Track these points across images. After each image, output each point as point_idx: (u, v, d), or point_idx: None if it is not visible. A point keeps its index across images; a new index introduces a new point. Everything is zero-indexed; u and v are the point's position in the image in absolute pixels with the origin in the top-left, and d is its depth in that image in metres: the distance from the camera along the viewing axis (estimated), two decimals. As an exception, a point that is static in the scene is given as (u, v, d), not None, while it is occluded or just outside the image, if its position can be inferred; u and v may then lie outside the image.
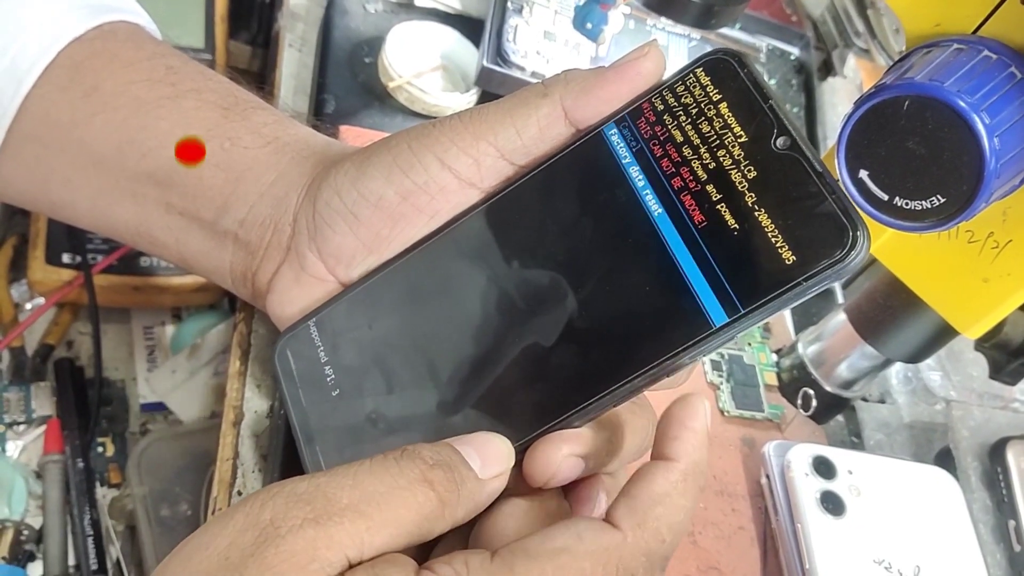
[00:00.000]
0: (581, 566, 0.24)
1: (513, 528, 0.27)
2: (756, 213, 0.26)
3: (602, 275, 0.28)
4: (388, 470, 0.24)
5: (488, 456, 0.26)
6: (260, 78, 0.61)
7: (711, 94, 0.28)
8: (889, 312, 0.40)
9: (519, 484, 0.28)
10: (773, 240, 0.26)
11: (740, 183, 0.27)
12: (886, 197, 0.30)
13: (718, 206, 0.27)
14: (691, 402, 0.27)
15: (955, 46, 0.30)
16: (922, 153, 0.29)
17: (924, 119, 0.29)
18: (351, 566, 0.23)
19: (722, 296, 0.26)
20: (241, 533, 0.23)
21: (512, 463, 0.27)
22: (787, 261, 0.25)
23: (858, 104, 0.30)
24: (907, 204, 0.30)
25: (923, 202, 0.30)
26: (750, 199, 0.26)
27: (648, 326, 0.27)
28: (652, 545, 0.25)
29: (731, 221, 0.26)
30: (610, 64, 0.30)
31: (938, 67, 0.29)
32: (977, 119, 0.28)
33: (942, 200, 0.29)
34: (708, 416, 0.27)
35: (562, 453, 0.27)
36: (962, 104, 0.28)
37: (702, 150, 0.28)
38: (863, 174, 0.30)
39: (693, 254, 0.27)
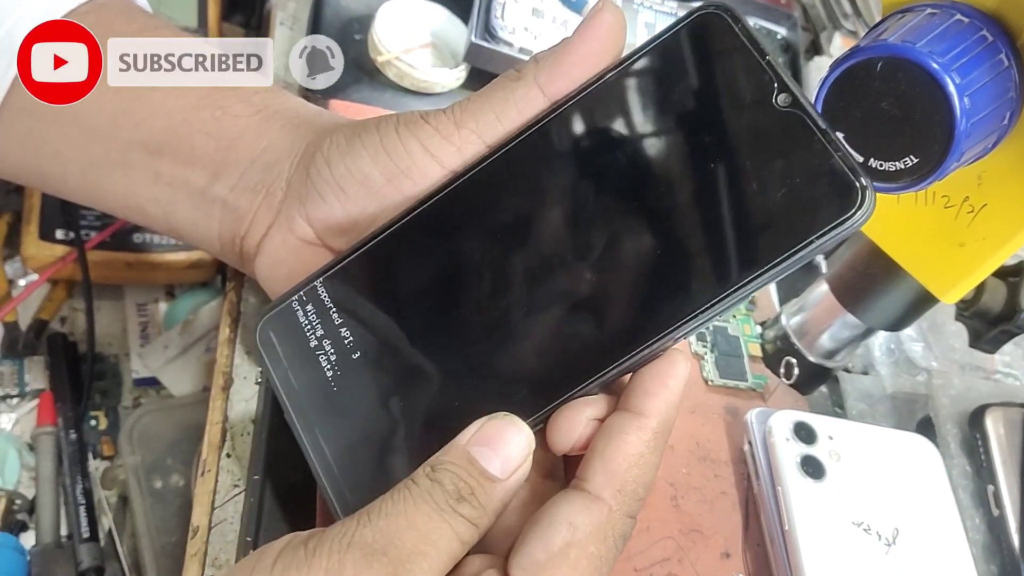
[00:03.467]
0: (589, 552, 0.25)
1: (517, 521, 0.27)
2: (764, 171, 0.26)
3: (614, 240, 0.27)
4: (430, 505, 0.25)
5: (506, 454, 0.26)
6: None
7: (706, 50, 0.27)
8: (869, 280, 0.41)
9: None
10: (783, 199, 0.25)
11: (745, 141, 0.26)
12: (862, 159, 0.31)
13: (724, 164, 0.26)
14: (672, 359, 0.27)
15: (928, 10, 0.31)
16: (895, 114, 0.30)
17: (897, 80, 0.29)
18: None
19: (734, 257, 0.26)
20: None
21: (531, 448, 0.27)
22: (799, 219, 0.25)
23: (834, 67, 0.31)
24: (882, 165, 0.31)
25: (897, 163, 0.30)
26: (756, 157, 0.26)
27: (664, 289, 0.26)
28: (632, 506, 0.26)
29: (739, 180, 0.26)
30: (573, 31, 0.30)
31: (911, 30, 0.30)
32: (948, 79, 0.28)
33: (915, 160, 0.30)
34: (687, 375, 0.27)
35: (585, 416, 0.27)
36: (933, 65, 0.28)
37: (701, 107, 0.27)
38: (839, 136, 0.31)
39: (704, 216, 0.26)
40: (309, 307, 0.30)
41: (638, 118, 0.28)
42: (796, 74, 0.62)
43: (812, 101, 0.29)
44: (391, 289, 0.30)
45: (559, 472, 0.30)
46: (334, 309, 0.30)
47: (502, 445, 0.26)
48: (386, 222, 0.30)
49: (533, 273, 0.28)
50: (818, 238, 0.25)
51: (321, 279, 0.31)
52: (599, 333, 0.27)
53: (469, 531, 0.25)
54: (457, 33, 0.53)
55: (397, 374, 0.29)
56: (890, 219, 0.37)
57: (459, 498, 0.25)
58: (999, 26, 0.30)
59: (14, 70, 0.33)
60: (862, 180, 0.25)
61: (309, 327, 0.30)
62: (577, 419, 0.27)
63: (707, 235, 0.26)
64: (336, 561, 0.24)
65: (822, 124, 0.26)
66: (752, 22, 0.63)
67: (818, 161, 0.25)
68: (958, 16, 0.30)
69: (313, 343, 0.30)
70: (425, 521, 0.25)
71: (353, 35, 0.52)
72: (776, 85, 0.26)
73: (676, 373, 0.27)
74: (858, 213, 0.24)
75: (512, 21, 0.51)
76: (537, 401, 0.27)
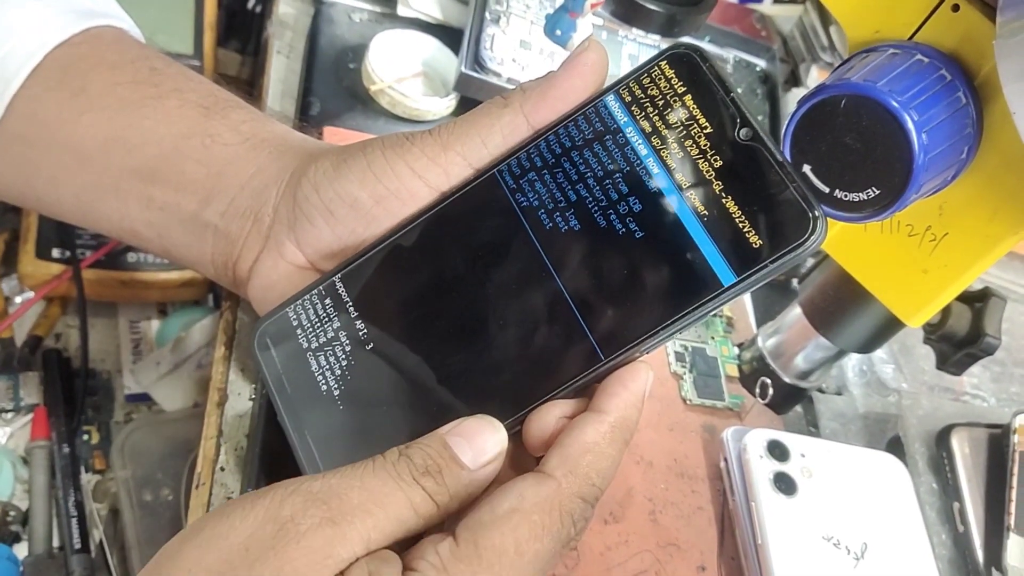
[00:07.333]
0: (531, 520, 0.26)
1: None
2: (724, 200, 0.28)
3: (586, 258, 0.29)
4: (389, 473, 0.26)
5: (480, 447, 0.28)
6: (250, 85, 0.63)
7: (676, 86, 0.29)
8: (839, 304, 0.42)
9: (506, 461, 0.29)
10: (741, 225, 0.27)
11: (707, 171, 0.28)
12: (827, 190, 0.33)
13: (687, 192, 0.28)
14: (636, 367, 0.29)
15: (891, 51, 0.33)
16: (858, 148, 0.32)
17: (860, 116, 0.31)
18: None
19: (696, 276, 0.28)
20: (261, 526, 0.24)
21: (504, 447, 0.28)
22: (754, 245, 0.27)
23: (801, 103, 0.33)
24: (846, 196, 0.32)
25: (860, 194, 0.32)
26: (717, 186, 0.28)
27: (629, 306, 0.28)
28: (584, 489, 0.27)
29: (700, 207, 0.28)
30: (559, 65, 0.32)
31: (873, 69, 0.32)
32: (907, 116, 0.30)
33: (877, 192, 0.32)
34: (648, 382, 0.29)
35: (555, 415, 0.29)
36: (893, 103, 0.30)
37: (669, 139, 0.29)
38: (806, 168, 0.33)
39: (667, 237, 0.28)
40: (303, 315, 0.32)
41: (612, 146, 0.30)
42: (775, 104, 0.64)
43: (777, 135, 0.31)
44: (380, 301, 0.32)
45: None
46: (326, 318, 0.32)
47: (477, 438, 0.28)
48: (375, 239, 0.32)
49: (512, 289, 0.30)
50: (773, 262, 0.27)
51: (316, 290, 0.33)
52: (571, 345, 0.29)
53: (426, 504, 0.26)
54: (448, 63, 0.55)
55: (384, 380, 0.31)
56: (858, 246, 0.39)
57: (424, 472, 0.27)
58: (958, 66, 0.32)
59: (8, 98, 0.34)
60: (815, 210, 0.27)
61: (302, 334, 0.32)
62: (549, 419, 0.29)
63: (670, 255, 0.28)
64: (278, 500, 0.25)
65: (779, 157, 0.28)
66: (733, 54, 0.65)
67: (775, 191, 0.28)
68: (918, 56, 0.32)
69: (306, 349, 0.32)
70: (378, 485, 0.26)
71: (347, 64, 0.54)
72: (739, 120, 0.28)
73: (637, 378, 0.29)
74: (811, 239, 0.27)
75: (500, 52, 0.53)
76: (514, 405, 0.29)
